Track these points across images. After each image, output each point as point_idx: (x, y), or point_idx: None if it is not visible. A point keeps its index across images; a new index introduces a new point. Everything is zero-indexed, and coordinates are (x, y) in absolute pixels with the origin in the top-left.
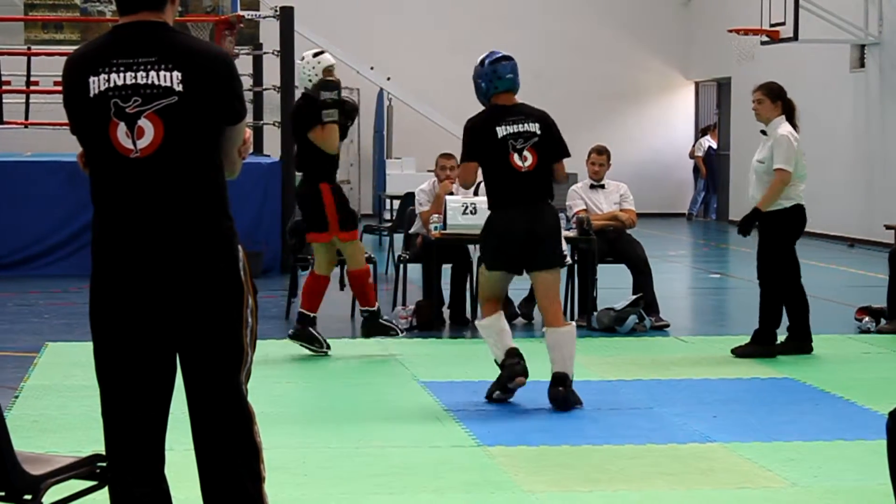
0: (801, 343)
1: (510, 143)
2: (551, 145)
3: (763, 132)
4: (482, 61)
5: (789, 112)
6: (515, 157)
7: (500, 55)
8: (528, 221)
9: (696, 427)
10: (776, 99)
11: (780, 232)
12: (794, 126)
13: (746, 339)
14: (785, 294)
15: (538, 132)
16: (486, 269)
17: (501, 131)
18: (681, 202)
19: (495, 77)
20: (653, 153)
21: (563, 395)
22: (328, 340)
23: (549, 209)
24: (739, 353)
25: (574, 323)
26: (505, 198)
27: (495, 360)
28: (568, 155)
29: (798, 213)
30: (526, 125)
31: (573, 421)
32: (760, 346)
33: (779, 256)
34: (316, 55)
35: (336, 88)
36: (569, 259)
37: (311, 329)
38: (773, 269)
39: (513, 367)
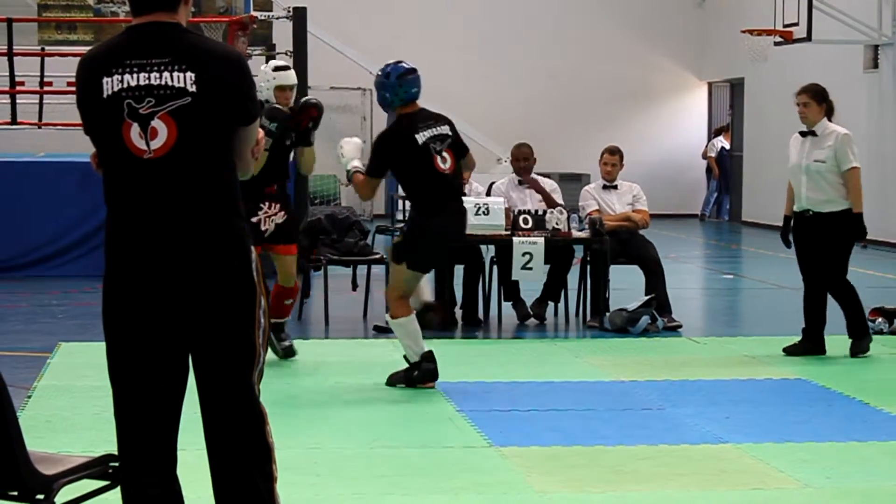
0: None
1: (431, 147)
2: (459, 144)
3: (803, 133)
4: (387, 72)
5: (831, 113)
6: (438, 160)
7: (405, 68)
8: (459, 222)
9: (709, 428)
10: (822, 101)
11: (839, 231)
12: None
13: (760, 340)
14: (822, 294)
15: (450, 133)
16: (408, 268)
17: (421, 138)
18: (693, 203)
19: (400, 90)
20: (665, 154)
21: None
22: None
23: (463, 209)
24: (790, 351)
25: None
26: (434, 202)
27: (405, 357)
28: (467, 147)
29: (848, 216)
30: (438, 128)
31: (586, 421)
32: (811, 344)
33: (839, 255)
34: (276, 69)
35: (280, 119)
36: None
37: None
38: (835, 269)
39: (428, 371)
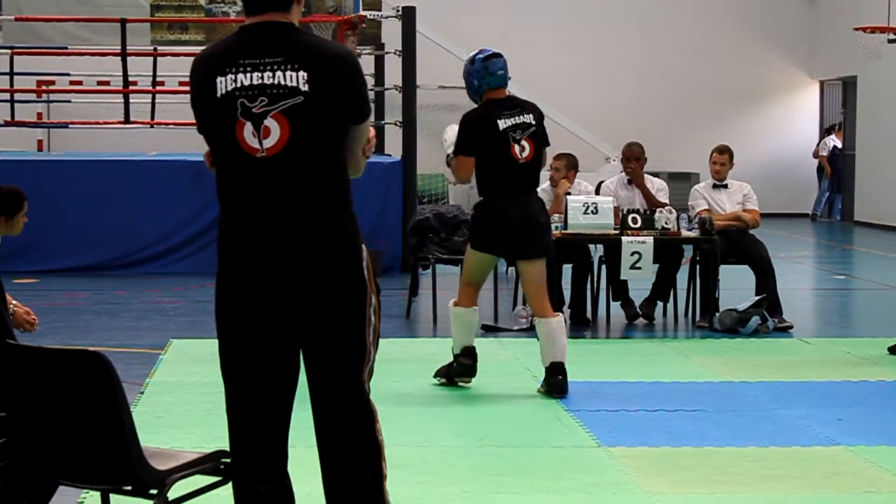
0: None
1: (510, 136)
2: (543, 135)
3: None
4: (472, 59)
5: None
6: (516, 148)
7: (490, 52)
8: (521, 211)
9: (821, 430)
10: None
11: None
12: None
13: (873, 342)
14: None
15: (533, 122)
16: (475, 250)
17: (502, 124)
18: (804, 202)
19: (487, 73)
20: (776, 153)
21: (562, 382)
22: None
23: (538, 200)
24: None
25: (561, 315)
26: (502, 188)
27: (452, 349)
28: (548, 143)
29: None
30: (522, 117)
31: (695, 422)
32: None
33: None
34: None
35: None
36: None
37: None
38: None
39: (467, 367)
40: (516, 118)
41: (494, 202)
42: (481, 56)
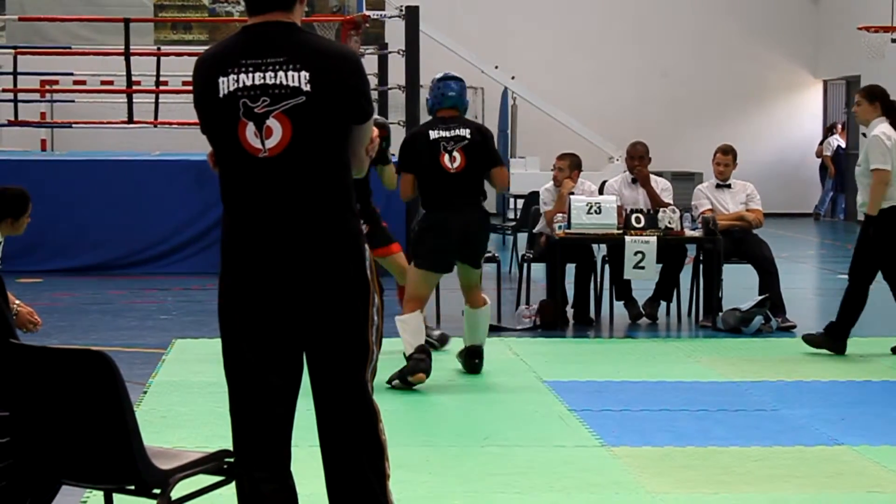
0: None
1: (441, 145)
2: (482, 151)
3: (864, 135)
4: (434, 78)
5: (891, 114)
6: (445, 157)
7: (449, 75)
8: (458, 222)
9: (824, 429)
10: (874, 100)
11: (880, 233)
12: None
13: (876, 341)
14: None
15: (468, 136)
16: (417, 269)
17: (434, 134)
18: (808, 202)
19: (439, 94)
20: (779, 152)
21: (478, 365)
22: (450, 338)
23: (480, 210)
24: (808, 339)
25: (488, 304)
26: (437, 199)
27: (404, 353)
28: (500, 164)
29: (894, 216)
30: (457, 130)
31: (698, 422)
32: (832, 340)
33: (872, 256)
34: None
35: None
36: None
37: None
38: (866, 269)
39: (418, 363)
40: (452, 132)
41: (433, 214)
42: (439, 77)
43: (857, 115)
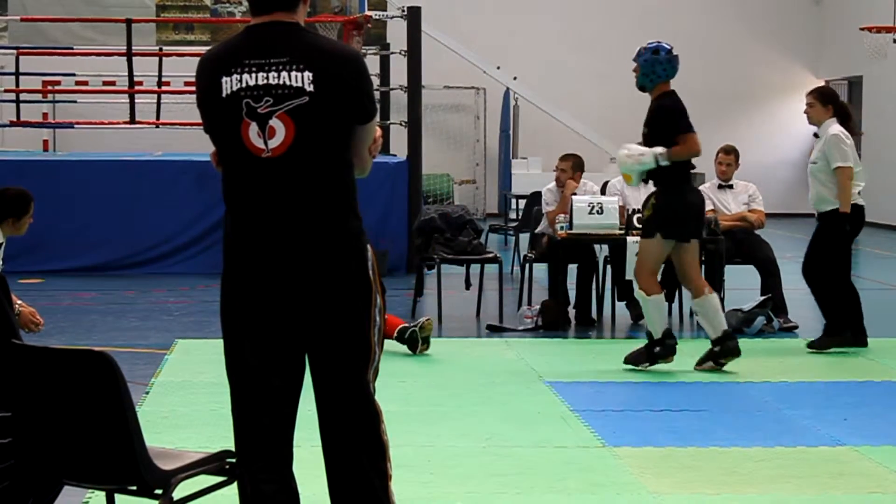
0: (858, 338)
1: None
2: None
3: (816, 135)
4: (656, 49)
5: (843, 116)
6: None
7: (669, 47)
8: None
9: (826, 430)
10: (827, 103)
11: (838, 231)
12: (851, 131)
13: (878, 342)
14: (836, 292)
15: None
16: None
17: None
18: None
19: (670, 66)
20: (781, 153)
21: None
22: (455, 340)
23: None
24: (816, 346)
25: None
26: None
27: (648, 333)
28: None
29: (856, 213)
30: None
31: (701, 422)
32: (834, 338)
33: (833, 255)
34: None
35: None
36: None
37: None
38: (824, 267)
39: (671, 346)
40: None
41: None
42: (668, 49)
43: (810, 116)
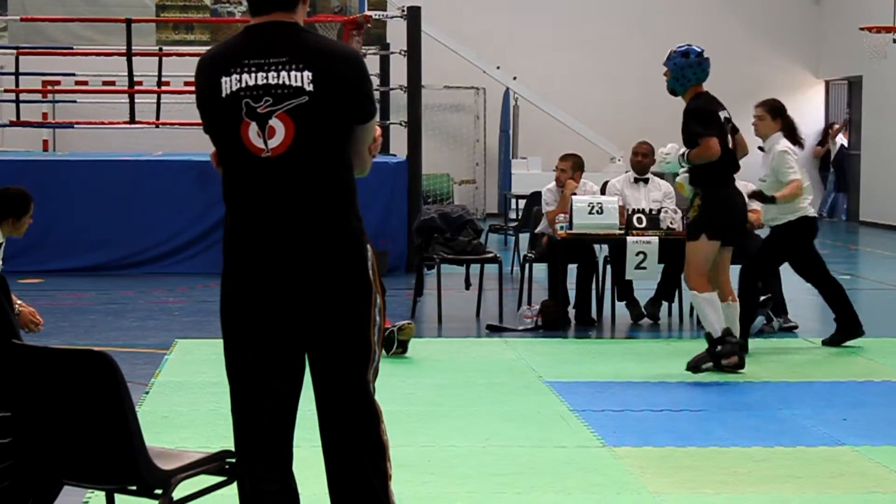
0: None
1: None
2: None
3: (761, 148)
4: (686, 52)
5: (790, 130)
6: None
7: (699, 50)
8: None
9: (826, 430)
10: (776, 116)
11: (789, 244)
12: (797, 142)
13: (878, 342)
14: (828, 290)
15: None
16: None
17: (723, 115)
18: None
19: (700, 69)
20: None
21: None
22: (455, 340)
23: None
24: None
25: None
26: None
27: (707, 336)
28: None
29: (805, 224)
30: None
31: (700, 422)
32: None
33: (773, 263)
34: None
35: None
36: None
37: None
38: (757, 278)
39: (733, 346)
40: (725, 112)
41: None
42: (697, 52)
43: (758, 129)
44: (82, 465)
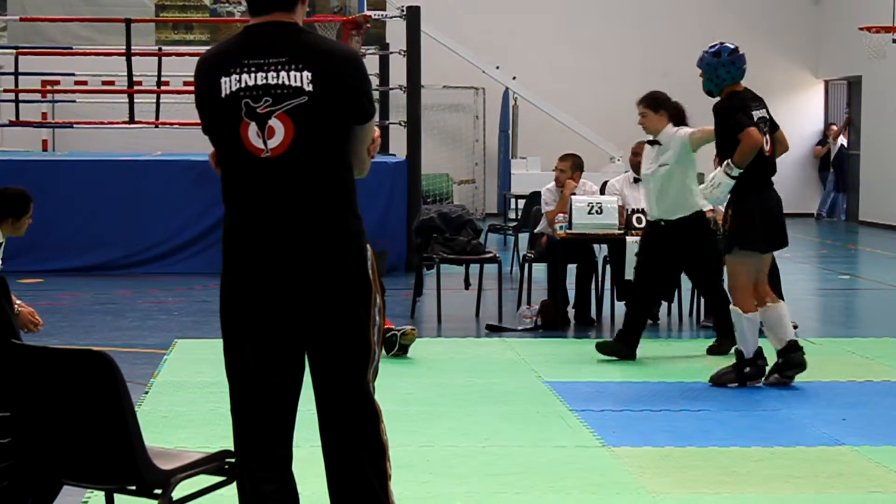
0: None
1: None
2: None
3: (650, 143)
4: (717, 52)
5: (678, 117)
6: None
7: (732, 47)
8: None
9: (825, 429)
10: (658, 108)
11: (682, 241)
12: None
13: (878, 341)
14: (714, 294)
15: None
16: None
17: (756, 114)
18: (809, 202)
19: (734, 68)
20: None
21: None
22: (454, 340)
23: None
24: (714, 350)
25: None
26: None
27: (737, 351)
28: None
29: (700, 220)
30: (762, 111)
31: (699, 422)
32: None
33: (709, 258)
34: None
35: None
36: None
37: None
38: (654, 276)
39: (762, 368)
40: (762, 111)
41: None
42: (729, 51)
43: (646, 126)
44: (82, 465)
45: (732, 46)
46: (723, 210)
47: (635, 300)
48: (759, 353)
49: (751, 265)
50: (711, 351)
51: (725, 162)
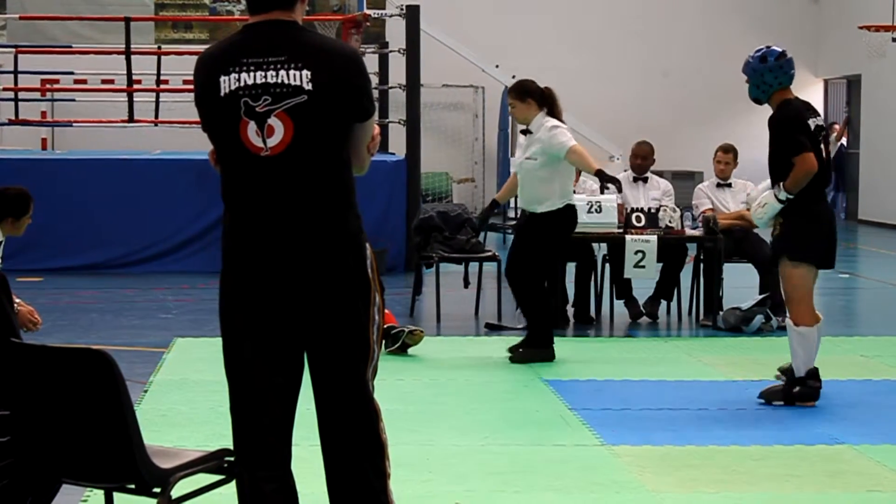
0: (543, 350)
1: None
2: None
3: (523, 132)
4: (763, 57)
5: (549, 104)
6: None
7: (779, 51)
8: None
9: (825, 428)
10: (525, 97)
11: (550, 232)
12: (558, 116)
13: (877, 340)
14: (537, 297)
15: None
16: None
17: (813, 123)
18: None
19: (781, 73)
20: None
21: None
22: (454, 338)
23: None
24: (517, 359)
25: None
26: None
27: (784, 370)
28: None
29: (570, 212)
30: (819, 119)
31: (699, 421)
32: (537, 349)
33: (539, 256)
34: None
35: None
36: None
37: None
38: (529, 268)
39: (814, 389)
40: (817, 119)
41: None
42: (774, 56)
43: (516, 116)
44: (81, 464)
45: (780, 50)
46: (725, 211)
47: (525, 299)
48: (812, 373)
49: (803, 277)
50: (512, 353)
51: (777, 185)
